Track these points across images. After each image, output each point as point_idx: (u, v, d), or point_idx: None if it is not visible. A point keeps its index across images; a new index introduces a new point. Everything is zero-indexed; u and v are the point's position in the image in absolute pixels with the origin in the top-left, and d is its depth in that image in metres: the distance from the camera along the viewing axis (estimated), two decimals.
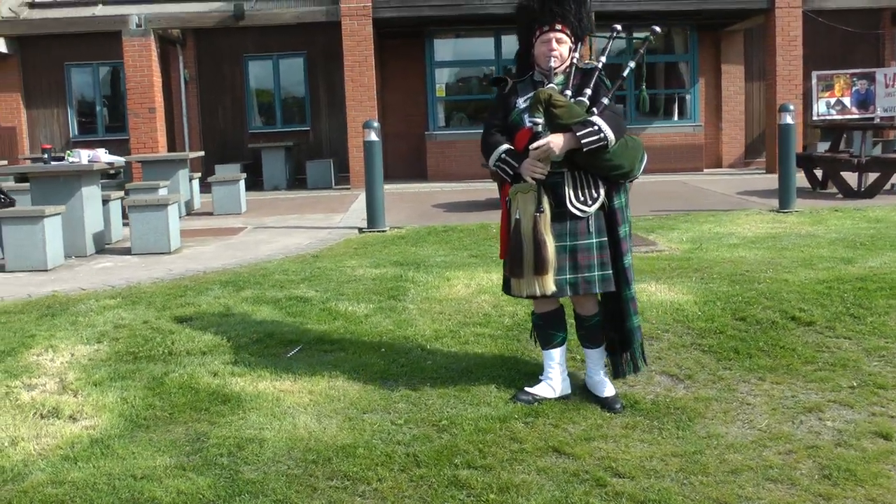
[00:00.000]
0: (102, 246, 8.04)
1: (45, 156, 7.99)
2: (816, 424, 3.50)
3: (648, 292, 5.14)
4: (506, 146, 3.59)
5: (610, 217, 3.65)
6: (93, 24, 14.36)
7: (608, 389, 3.76)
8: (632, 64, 3.78)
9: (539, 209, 3.51)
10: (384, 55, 16.04)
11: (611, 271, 3.64)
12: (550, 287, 3.54)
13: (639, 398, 3.80)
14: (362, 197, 12.19)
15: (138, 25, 13.56)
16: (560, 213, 3.56)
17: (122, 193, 8.85)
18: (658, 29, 3.97)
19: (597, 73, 3.60)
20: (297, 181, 15.37)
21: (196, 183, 11.63)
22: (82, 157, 7.60)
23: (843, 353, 4.26)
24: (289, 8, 14.41)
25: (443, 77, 15.63)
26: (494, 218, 8.49)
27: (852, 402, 3.70)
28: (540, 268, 3.51)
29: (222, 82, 16.30)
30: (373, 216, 8.43)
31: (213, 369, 4.17)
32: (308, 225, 9.28)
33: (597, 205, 3.59)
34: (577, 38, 3.66)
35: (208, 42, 16.07)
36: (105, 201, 8.21)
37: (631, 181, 3.75)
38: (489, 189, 10.74)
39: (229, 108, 16.40)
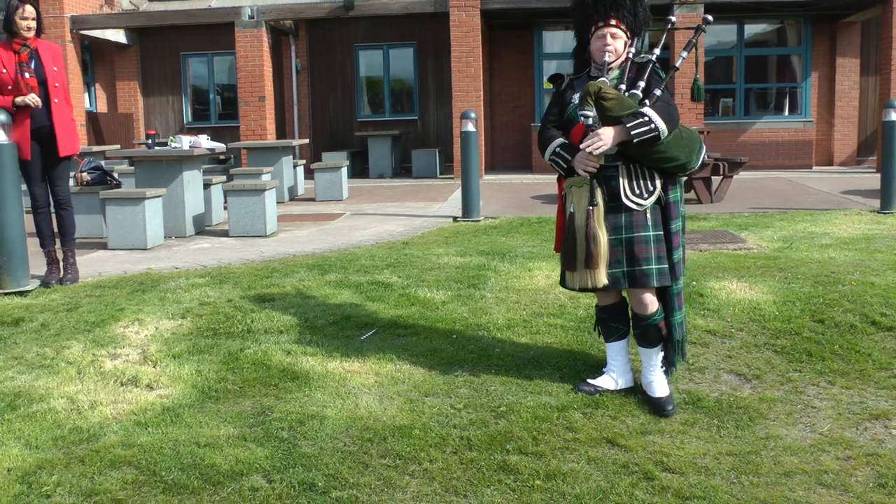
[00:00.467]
0: (203, 227, 8.43)
1: (150, 141, 8.43)
2: (881, 432, 3.33)
3: (728, 290, 4.99)
4: (560, 140, 3.59)
5: (665, 211, 3.60)
6: (208, 16, 15.04)
7: (661, 390, 3.67)
8: (684, 54, 3.68)
9: (592, 202, 3.48)
10: (494, 46, 16.13)
11: (666, 265, 3.58)
12: (602, 280, 3.51)
13: (702, 395, 3.72)
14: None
15: (251, 17, 14.10)
16: (616, 207, 3.53)
17: (224, 178, 9.23)
18: (710, 18, 3.90)
19: (651, 65, 3.54)
20: (403, 170, 15.69)
21: (300, 170, 11.99)
22: (184, 142, 7.99)
23: None
24: None
25: (550, 69, 15.54)
26: None
27: None
28: (590, 261, 3.49)
29: (333, 72, 16.76)
30: (468, 206, 8.49)
31: (286, 348, 4.31)
32: (405, 213, 9.43)
33: (653, 198, 3.54)
34: (634, 33, 3.62)
35: (320, 32, 16.54)
36: (207, 185, 8.59)
37: (689, 174, 3.67)
38: None
39: (339, 97, 16.83)
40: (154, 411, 3.62)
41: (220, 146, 8.68)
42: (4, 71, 5.48)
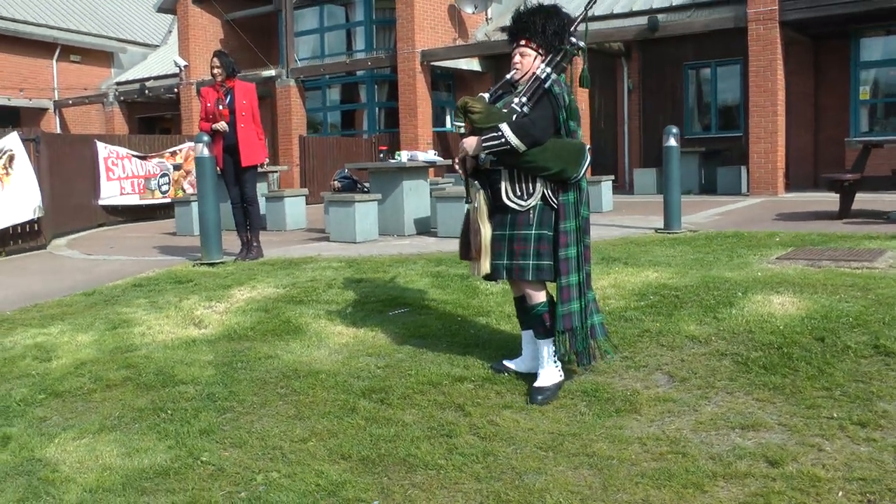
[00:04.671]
0: (427, 229, 10.13)
1: (381, 155, 10.41)
2: (728, 440, 3.63)
3: (763, 303, 5.14)
4: None
5: (556, 212, 4.26)
6: None
7: (541, 379, 4.32)
8: (551, 73, 4.24)
9: (467, 201, 4.35)
10: (819, 58, 15.65)
11: (549, 262, 4.24)
12: (485, 269, 4.35)
13: (602, 387, 4.28)
14: (740, 203, 12.47)
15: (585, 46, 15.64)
16: (502, 206, 4.30)
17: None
18: (581, 44, 4.36)
19: (537, 82, 4.20)
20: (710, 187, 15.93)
21: (604, 185, 12.94)
22: (403, 156, 9.79)
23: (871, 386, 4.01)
24: (698, 17, 15.07)
25: (869, 78, 14.74)
26: (811, 227, 8.40)
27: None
28: (467, 252, 4.38)
29: (663, 90, 17.57)
30: (668, 218, 8.98)
31: (319, 313, 5.77)
32: (628, 224, 10.08)
33: (533, 200, 4.23)
34: (547, 50, 4.30)
35: (650, 52, 17.49)
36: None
37: (571, 182, 4.25)
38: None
39: (669, 116, 17.53)
40: (182, 341, 5.38)
41: (438, 160, 10.32)
42: (209, 105, 7.94)
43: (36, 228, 10.28)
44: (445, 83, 20.08)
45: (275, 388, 4.56)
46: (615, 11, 16.76)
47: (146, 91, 23.37)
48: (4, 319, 6.12)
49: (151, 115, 25.47)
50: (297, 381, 4.62)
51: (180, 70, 21.97)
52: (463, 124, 4.30)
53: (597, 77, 17.45)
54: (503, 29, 18.28)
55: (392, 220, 9.87)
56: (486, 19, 19.25)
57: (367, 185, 10.56)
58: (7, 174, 9.49)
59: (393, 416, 4.12)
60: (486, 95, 4.46)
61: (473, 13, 18.87)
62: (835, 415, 3.77)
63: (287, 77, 20.42)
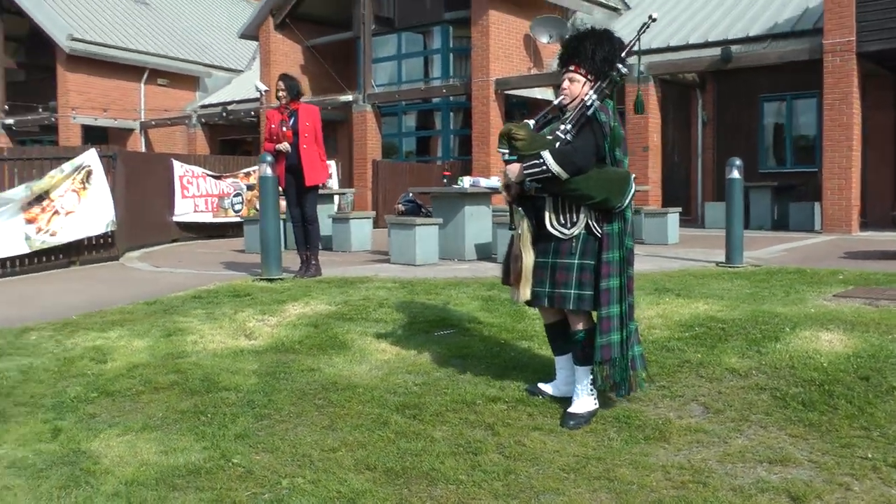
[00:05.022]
0: (488, 255, 10.23)
1: (444, 180, 10.58)
2: (755, 474, 3.64)
3: (810, 339, 5.08)
4: None
5: (600, 242, 4.28)
6: None
7: (574, 406, 4.37)
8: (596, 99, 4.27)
9: (510, 227, 4.44)
10: None
11: (590, 292, 4.26)
12: (525, 295, 4.41)
13: (634, 415, 4.32)
14: (810, 240, 12.25)
15: (641, 73, 15.68)
16: (546, 234, 4.36)
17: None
18: (625, 71, 4.32)
19: (583, 110, 4.22)
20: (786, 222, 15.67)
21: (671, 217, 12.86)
22: (466, 182, 9.94)
23: None
24: (774, 48, 14.90)
25: None
26: (879, 267, 8.27)
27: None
28: (507, 277, 4.47)
29: (737, 123, 17.39)
30: (729, 251, 8.89)
31: (365, 331, 5.91)
32: (691, 257, 9.96)
33: (577, 229, 4.27)
34: (598, 76, 4.32)
35: (725, 84, 17.37)
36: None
37: (615, 211, 4.27)
38: None
39: (743, 149, 17.32)
40: (231, 350, 5.60)
41: (496, 185, 10.41)
42: (273, 126, 8.25)
43: (109, 241, 10.75)
44: (520, 112, 20.21)
45: (313, 399, 4.71)
46: (690, 42, 16.71)
47: (227, 114, 24.14)
48: (69, 323, 6.44)
49: (234, 138, 26.27)
50: (335, 393, 4.77)
51: (261, 94, 22.64)
52: (505, 150, 4.40)
53: (670, 108, 17.48)
54: None
55: (453, 244, 10.01)
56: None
57: (430, 209, 10.72)
58: (84, 189, 9.97)
59: (423, 432, 4.23)
60: (532, 122, 4.53)
61: (548, 43, 19.00)
62: (869, 455, 3.73)
63: (364, 102, 20.86)
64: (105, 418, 4.55)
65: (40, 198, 9.67)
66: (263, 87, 22.77)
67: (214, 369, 5.20)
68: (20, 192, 9.63)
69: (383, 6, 22.48)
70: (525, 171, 4.24)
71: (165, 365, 5.32)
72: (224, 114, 24.29)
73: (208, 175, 14.38)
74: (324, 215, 11.90)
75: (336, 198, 13.58)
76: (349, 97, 21.39)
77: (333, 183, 16.89)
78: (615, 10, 20.17)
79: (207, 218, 14.28)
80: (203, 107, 26.62)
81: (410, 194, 10.87)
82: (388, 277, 8.14)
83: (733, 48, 15.22)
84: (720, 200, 16.07)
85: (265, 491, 3.66)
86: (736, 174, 8.92)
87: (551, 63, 19.43)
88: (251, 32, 23.72)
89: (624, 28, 19.26)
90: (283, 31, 23.08)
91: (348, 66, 23.52)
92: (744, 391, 4.52)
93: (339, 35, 22.93)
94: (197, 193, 14.07)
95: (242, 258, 11.10)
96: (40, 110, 25.54)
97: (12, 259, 9.70)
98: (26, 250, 9.73)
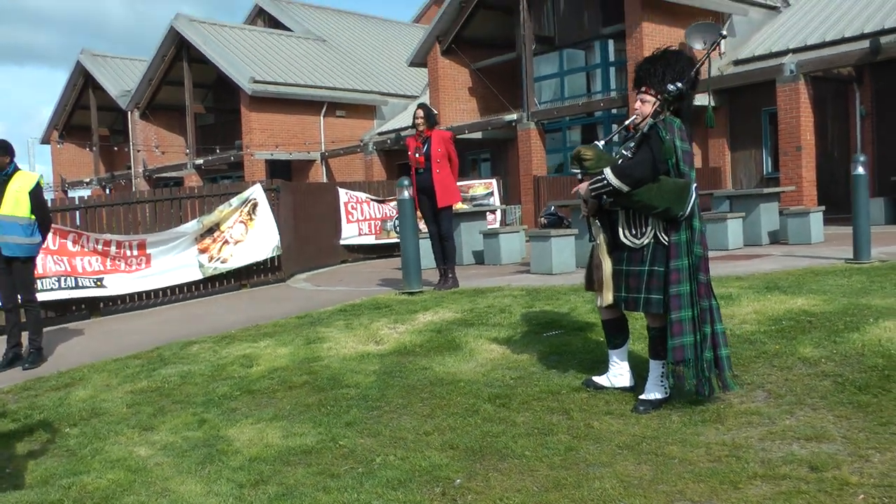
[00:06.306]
0: None
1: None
2: (795, 448, 4.05)
3: (887, 330, 5.26)
4: None
5: (667, 250, 4.72)
6: (756, 76, 16.96)
7: (645, 393, 4.85)
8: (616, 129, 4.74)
9: (590, 239, 5.00)
10: None
11: (659, 296, 4.71)
12: (607, 300, 4.94)
13: (702, 400, 4.70)
14: None
15: (791, 72, 15.52)
16: (620, 244, 4.86)
17: None
18: (672, 88, 4.66)
19: (649, 129, 4.69)
20: None
21: (813, 216, 12.70)
22: None
23: None
24: None
25: None
26: None
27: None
28: (590, 284, 5.02)
29: None
30: (856, 247, 8.84)
31: (480, 334, 6.58)
32: (823, 255, 9.82)
33: (646, 238, 4.74)
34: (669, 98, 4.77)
35: (883, 76, 16.81)
36: None
37: (680, 218, 4.67)
38: None
39: None
40: (359, 354, 6.43)
41: None
42: (409, 152, 9.04)
43: (276, 264, 12.04)
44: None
45: (420, 393, 5.43)
46: (846, 35, 16.27)
47: (399, 139, 25.57)
48: (227, 336, 7.54)
49: (408, 162, 27.72)
50: (440, 387, 5.47)
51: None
52: (578, 170, 4.98)
53: (828, 105, 17.04)
54: (736, 62, 18.36)
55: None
56: (720, 54, 19.28)
57: (570, 220, 11.26)
58: (251, 219, 11.31)
59: (507, 417, 4.84)
60: (601, 143, 5.09)
61: (704, 48, 18.96)
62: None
63: (528, 120, 21.57)
64: (243, 411, 5.47)
65: (211, 230, 11.12)
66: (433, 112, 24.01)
67: (341, 370, 6.04)
68: (192, 225, 11.07)
69: (544, 26, 23.21)
70: (590, 187, 4.78)
71: (301, 368, 6.22)
72: (398, 140, 25.73)
73: (371, 200, 15.55)
74: (474, 231, 12.72)
75: (488, 215, 14.32)
76: (514, 116, 22.17)
77: (495, 200, 17.68)
78: (773, 8, 19.84)
79: (370, 240, 15.43)
80: (380, 134, 28.27)
81: (552, 207, 11.43)
82: (519, 286, 8.77)
83: (890, 37, 14.72)
84: (881, 196, 15.55)
85: (360, 466, 4.39)
86: (861, 170, 8.89)
87: (707, 69, 19.40)
88: (419, 60, 25.05)
89: (780, 27, 18.96)
90: (450, 56, 24.25)
91: (513, 85, 24.34)
92: (809, 378, 4.82)
93: (503, 56, 23.85)
94: (361, 218, 15.26)
95: (397, 275, 12.04)
96: (217, 151, 28.26)
97: (188, 284, 11.16)
98: (200, 276, 11.15)
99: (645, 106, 4.80)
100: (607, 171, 4.69)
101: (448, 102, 24.29)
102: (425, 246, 10.01)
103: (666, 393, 4.81)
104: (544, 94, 23.35)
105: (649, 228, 4.73)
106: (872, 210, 14.88)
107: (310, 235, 13.93)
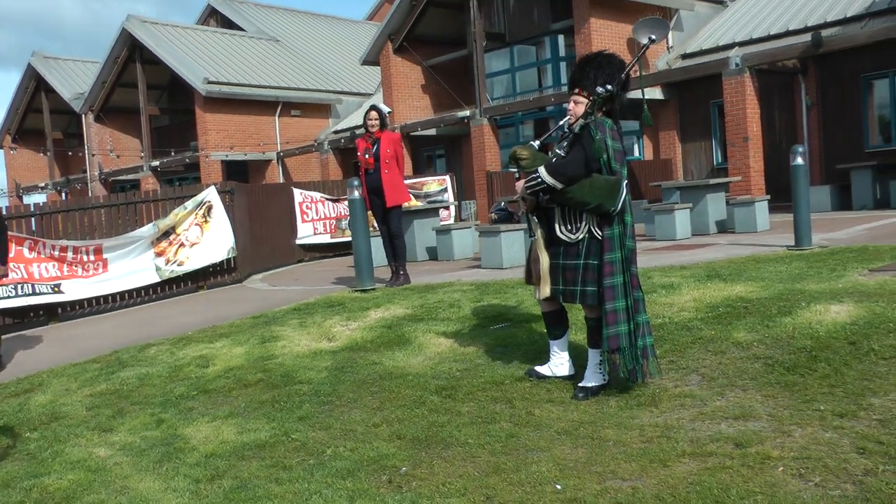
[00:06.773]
0: None
1: None
2: (723, 427, 4.33)
3: (820, 312, 5.55)
4: None
5: (601, 244, 4.96)
6: (702, 70, 17.34)
7: (584, 380, 5.09)
8: (561, 123, 5.00)
9: (529, 234, 5.22)
10: None
11: (594, 288, 4.96)
12: (545, 293, 5.16)
13: (636, 386, 4.95)
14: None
15: (737, 65, 15.93)
16: (557, 239, 5.09)
17: None
18: (601, 90, 4.86)
19: (581, 129, 4.92)
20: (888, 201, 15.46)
21: (761, 206, 13.09)
22: None
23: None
24: (874, 27, 14.78)
25: None
26: None
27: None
28: (529, 278, 5.23)
29: (842, 105, 17.29)
30: (797, 235, 9.19)
31: (428, 329, 6.80)
32: (766, 243, 10.19)
33: (581, 233, 4.97)
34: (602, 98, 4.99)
35: (827, 67, 17.33)
36: None
37: (612, 214, 4.90)
38: None
39: (848, 130, 17.22)
40: (312, 351, 6.61)
41: None
42: (359, 153, 9.26)
43: (232, 265, 12.16)
44: (633, 112, 20.64)
45: (370, 387, 5.63)
46: (790, 28, 16.76)
47: (354, 138, 25.68)
48: (184, 337, 7.67)
49: None
50: (389, 381, 5.67)
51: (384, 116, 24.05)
52: (514, 169, 5.22)
53: (774, 96, 17.50)
54: (684, 56, 18.77)
55: None
56: (668, 48, 19.70)
57: (520, 216, 11.51)
58: (206, 222, 11.43)
59: (453, 408, 5.05)
60: (537, 143, 5.33)
61: (649, 44, 19.36)
62: (822, 407, 4.27)
63: (480, 116, 21.82)
64: (200, 410, 5.63)
65: (167, 233, 11.21)
66: (386, 109, 24.13)
67: (295, 367, 6.22)
68: (148, 229, 11.15)
69: (494, 22, 23.46)
70: (526, 185, 5.02)
71: (255, 366, 6.39)
72: (353, 137, 25.84)
73: (326, 199, 15.70)
74: (428, 228, 12.92)
75: (441, 211, 14.54)
76: (466, 112, 22.40)
77: (449, 196, 17.89)
78: (720, 2, 20.30)
79: (325, 239, 15.57)
80: (335, 133, 28.35)
81: (503, 203, 11.68)
82: (469, 281, 9.00)
83: (832, 30, 15.26)
84: (828, 184, 16.08)
85: (311, 458, 4.57)
86: (800, 161, 9.23)
87: (656, 63, 19.79)
88: (372, 58, 25.18)
89: (727, 21, 19.41)
90: (402, 54, 24.41)
91: (466, 82, 24.58)
92: (741, 361, 5.10)
93: (455, 53, 24.08)
94: (316, 217, 15.41)
95: (351, 273, 12.18)
96: (173, 153, 28.16)
97: (146, 288, 11.26)
98: (157, 279, 11.25)
99: (578, 107, 5.02)
100: (541, 170, 4.92)
101: (402, 100, 24.48)
102: (378, 244, 10.21)
103: (604, 380, 5.06)
104: (496, 90, 23.63)
105: (584, 224, 4.96)
106: (820, 197, 15.45)
107: (265, 236, 14.05)
